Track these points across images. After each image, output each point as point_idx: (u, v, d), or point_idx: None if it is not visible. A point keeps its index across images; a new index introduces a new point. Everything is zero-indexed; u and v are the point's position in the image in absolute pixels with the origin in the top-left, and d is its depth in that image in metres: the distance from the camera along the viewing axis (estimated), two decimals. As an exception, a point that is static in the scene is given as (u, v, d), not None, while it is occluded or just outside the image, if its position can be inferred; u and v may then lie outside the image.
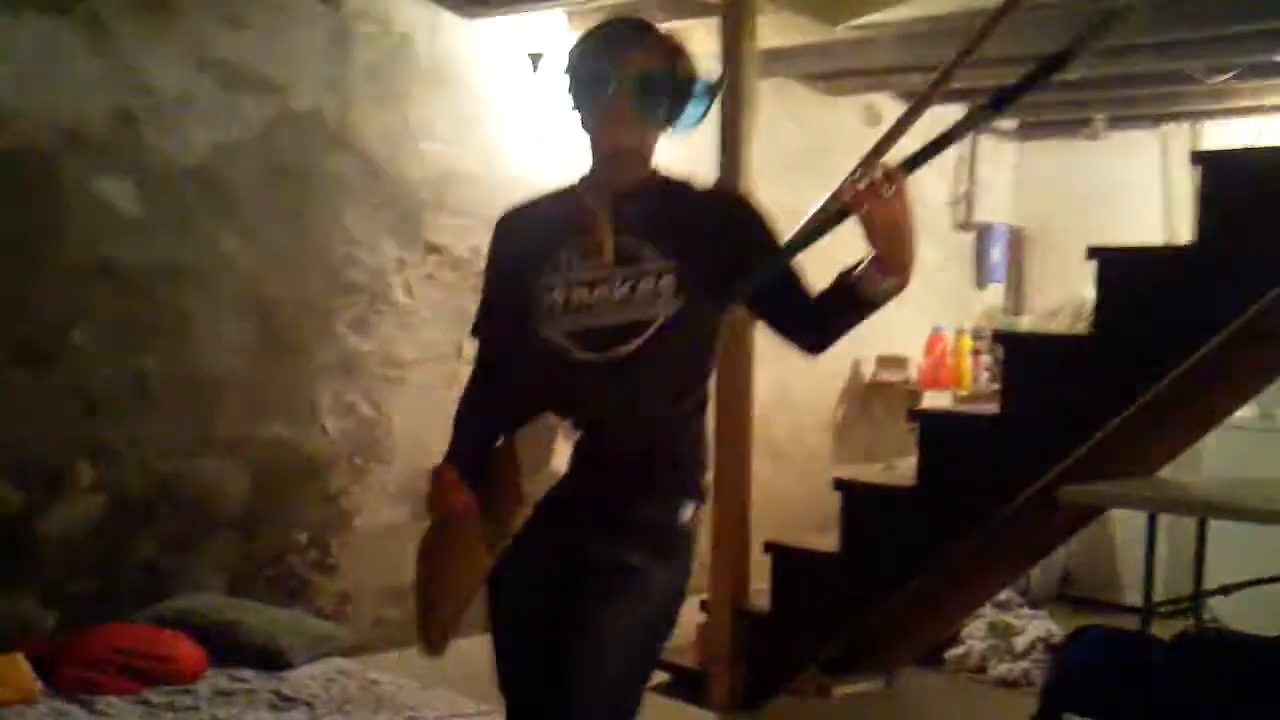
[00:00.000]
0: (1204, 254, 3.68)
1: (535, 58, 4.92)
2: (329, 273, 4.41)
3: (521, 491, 2.13)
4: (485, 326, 2.42)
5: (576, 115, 2.28)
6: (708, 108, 2.29)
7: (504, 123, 4.85)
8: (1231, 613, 5.03)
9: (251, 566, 4.24)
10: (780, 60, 5.31)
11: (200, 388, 4.11)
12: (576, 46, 2.30)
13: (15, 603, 3.76)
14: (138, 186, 3.94)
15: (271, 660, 3.63)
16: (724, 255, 2.20)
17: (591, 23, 4.99)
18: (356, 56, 4.44)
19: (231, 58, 4.13)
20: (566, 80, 2.28)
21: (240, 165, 4.17)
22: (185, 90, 4.02)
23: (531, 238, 2.30)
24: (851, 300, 2.10)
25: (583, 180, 2.34)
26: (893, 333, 6.53)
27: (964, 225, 7.07)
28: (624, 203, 2.24)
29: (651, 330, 2.15)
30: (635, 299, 2.17)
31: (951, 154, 6.95)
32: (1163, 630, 3.84)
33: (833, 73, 5.90)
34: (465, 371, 4.61)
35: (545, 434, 2.13)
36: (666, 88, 2.21)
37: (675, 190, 2.30)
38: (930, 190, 6.89)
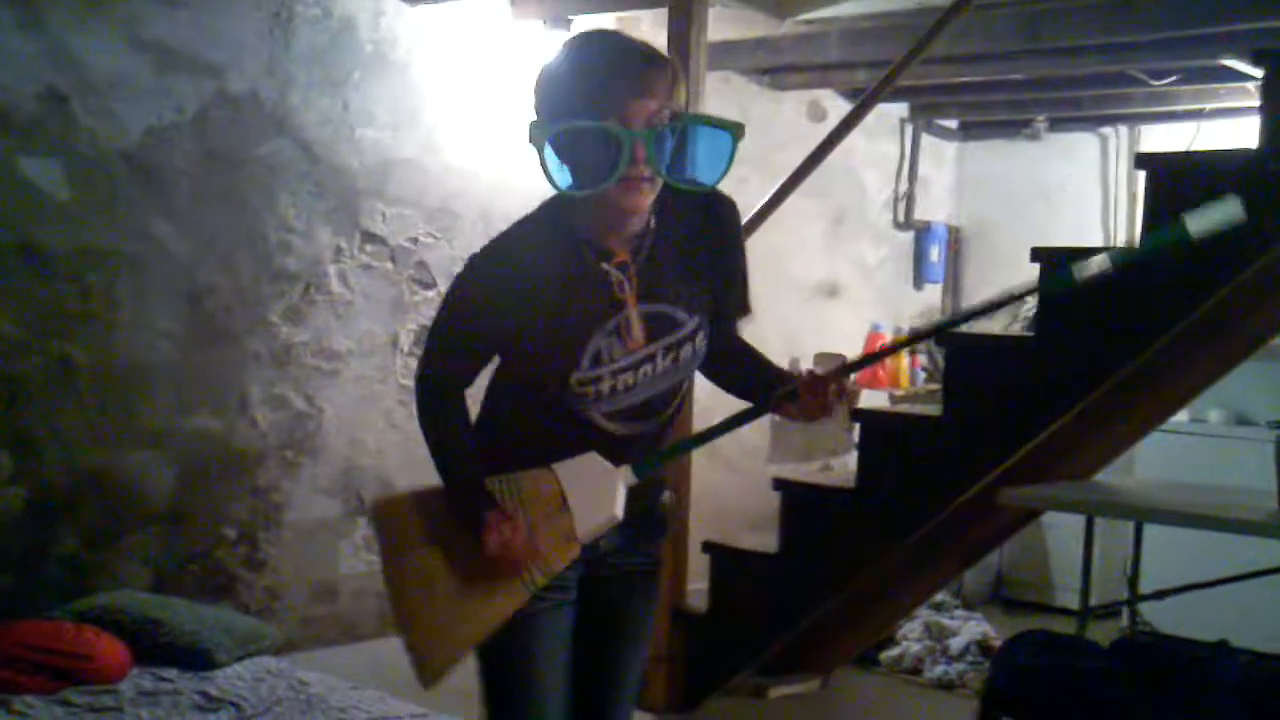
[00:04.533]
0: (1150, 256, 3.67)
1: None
2: (262, 260, 4.30)
3: (574, 531, 2.04)
4: (463, 372, 2.14)
5: (558, 174, 1.92)
6: (729, 161, 2.10)
7: (445, 111, 4.76)
8: (1161, 616, 5.09)
9: (177, 562, 4.12)
10: (726, 53, 5.29)
11: (127, 377, 3.98)
12: (556, 84, 1.93)
13: (-71, 598, 3.63)
14: (66, 169, 3.81)
15: (197, 659, 3.52)
16: (718, 280, 2.18)
17: (535, 9, 4.95)
18: (297, 40, 4.33)
19: (167, 38, 4.00)
20: (540, 126, 1.91)
21: (174, 149, 4.04)
22: (118, 71, 3.89)
23: (546, 306, 2.00)
24: (756, 395, 2.17)
25: (578, 227, 2.03)
26: (831, 330, 6.53)
27: (903, 224, 7.08)
28: (641, 259, 2.04)
29: (685, 385, 2.18)
30: (678, 366, 2.11)
31: (893, 153, 6.97)
32: (1095, 632, 3.87)
33: (778, 67, 5.88)
34: (401, 364, 4.65)
35: (603, 477, 2.04)
36: (677, 131, 1.96)
37: (679, 220, 2.09)
38: (871, 189, 6.89)
